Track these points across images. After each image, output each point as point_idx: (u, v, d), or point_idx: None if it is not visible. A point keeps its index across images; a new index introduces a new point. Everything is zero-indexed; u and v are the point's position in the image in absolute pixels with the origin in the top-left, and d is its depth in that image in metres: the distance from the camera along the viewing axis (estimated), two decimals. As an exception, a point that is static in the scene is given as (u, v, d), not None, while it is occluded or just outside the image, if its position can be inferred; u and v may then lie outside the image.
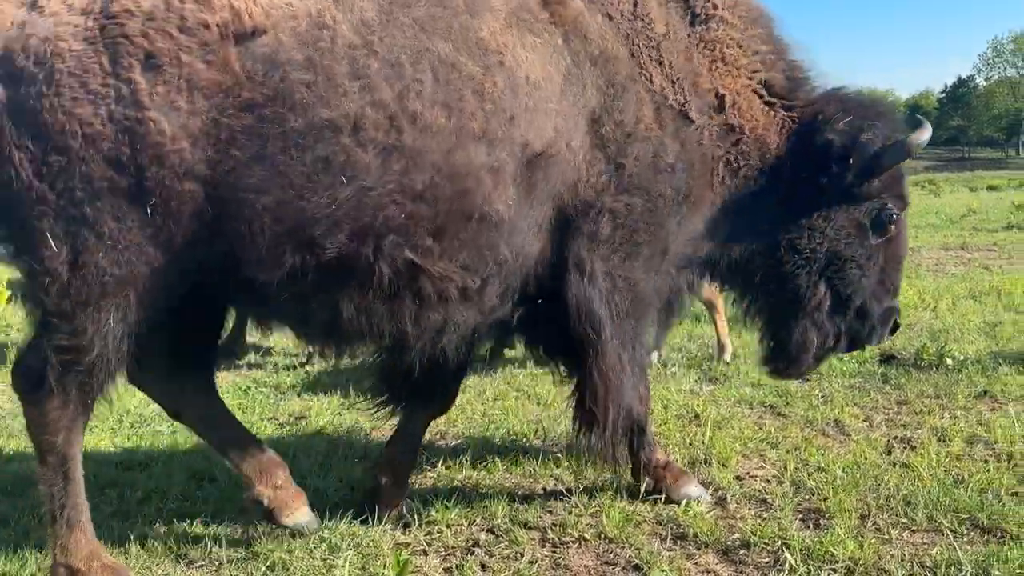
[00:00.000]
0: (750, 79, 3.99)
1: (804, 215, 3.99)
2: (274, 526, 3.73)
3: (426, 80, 3.13)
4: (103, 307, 3.03)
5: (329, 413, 5.75)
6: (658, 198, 3.64)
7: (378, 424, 5.47)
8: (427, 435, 5.23)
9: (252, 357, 7.65)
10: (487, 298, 3.45)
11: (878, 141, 3.87)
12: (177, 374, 3.72)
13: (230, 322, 7.97)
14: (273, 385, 6.56)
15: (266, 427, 5.45)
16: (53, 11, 2.95)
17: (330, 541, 3.66)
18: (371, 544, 3.64)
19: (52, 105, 2.88)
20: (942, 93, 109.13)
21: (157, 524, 3.97)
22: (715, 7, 3.96)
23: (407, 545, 3.67)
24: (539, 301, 3.66)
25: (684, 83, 3.76)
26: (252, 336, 7.91)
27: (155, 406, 5.98)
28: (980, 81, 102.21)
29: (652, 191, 3.62)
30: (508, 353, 7.35)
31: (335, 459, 4.81)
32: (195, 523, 3.95)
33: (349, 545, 3.63)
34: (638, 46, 3.66)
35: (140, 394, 6.27)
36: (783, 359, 4.23)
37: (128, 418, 5.74)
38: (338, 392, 6.22)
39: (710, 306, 7.00)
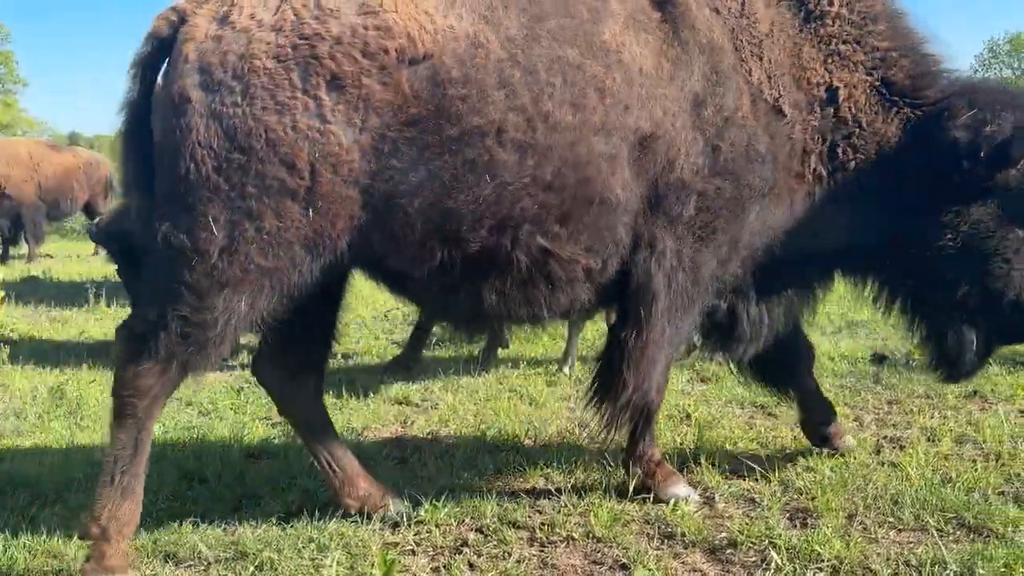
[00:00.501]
0: (868, 75, 4.05)
1: (937, 211, 3.97)
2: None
3: (557, 83, 3.49)
4: (238, 292, 3.32)
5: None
6: (745, 187, 3.83)
7: (369, 424, 5.50)
8: (419, 435, 5.28)
9: (245, 358, 7.63)
10: (605, 277, 3.77)
11: (1005, 131, 3.82)
12: (297, 374, 4.01)
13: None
14: (266, 385, 6.54)
15: (258, 427, 5.45)
16: (244, 26, 3.31)
17: (318, 541, 3.67)
18: (360, 544, 3.65)
19: (244, 113, 3.24)
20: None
21: (147, 524, 3.96)
22: (831, 4, 4.07)
23: (395, 545, 3.68)
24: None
25: (782, 79, 3.95)
26: (244, 337, 7.89)
27: (147, 406, 6.02)
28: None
29: (742, 178, 3.82)
30: (502, 353, 7.39)
31: (326, 459, 4.81)
32: (184, 523, 3.95)
33: (338, 545, 3.64)
34: (741, 41, 3.91)
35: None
36: (945, 364, 4.24)
37: (120, 418, 5.72)
38: (330, 392, 6.21)
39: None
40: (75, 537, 3.79)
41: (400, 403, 6.06)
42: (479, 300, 3.64)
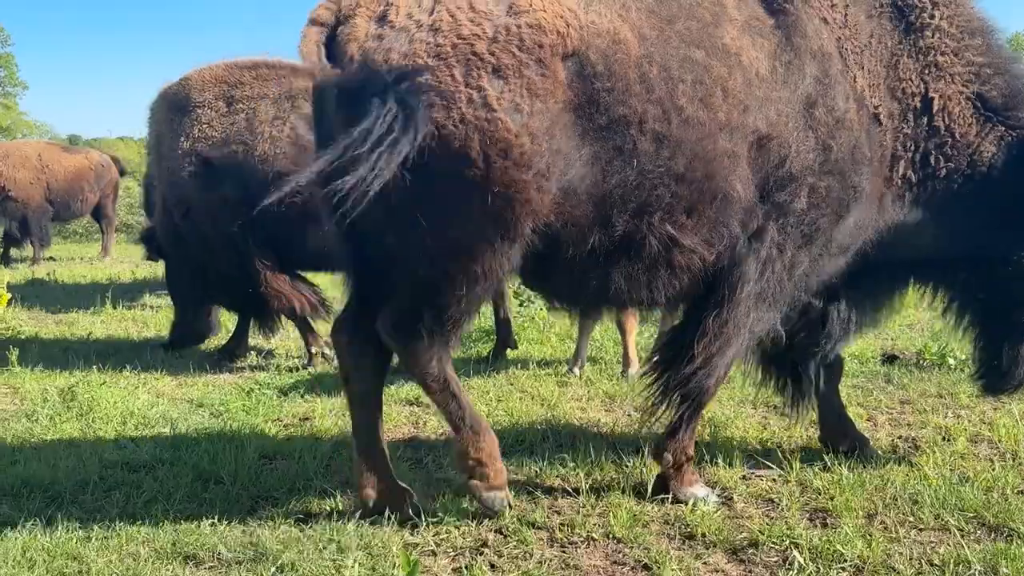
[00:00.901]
0: (964, 87, 4.21)
1: (1021, 229, 4.14)
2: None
3: (687, 80, 3.69)
4: (466, 275, 3.59)
5: (333, 415, 5.74)
6: (850, 187, 4.00)
7: (390, 418, 5.48)
8: (432, 436, 5.27)
9: (254, 359, 7.64)
10: (712, 268, 3.91)
11: None
12: (374, 352, 3.97)
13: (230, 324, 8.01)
14: (276, 387, 6.55)
15: (271, 428, 5.44)
16: (403, 26, 3.50)
17: (339, 542, 3.66)
18: (380, 545, 3.65)
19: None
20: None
21: (165, 525, 3.97)
22: (931, 16, 4.21)
23: (416, 546, 3.67)
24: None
25: (880, 87, 4.12)
26: (253, 338, 7.90)
27: (159, 408, 6.02)
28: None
29: (847, 178, 3.99)
30: (511, 354, 7.38)
31: (340, 460, 4.81)
32: (203, 524, 3.95)
33: (358, 546, 3.63)
34: (846, 50, 4.08)
35: (145, 396, 6.33)
36: (997, 376, 4.39)
37: (132, 420, 5.72)
38: (341, 394, 6.20)
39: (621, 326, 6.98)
40: (94, 539, 3.81)
41: (411, 404, 6.05)
42: (609, 283, 3.84)
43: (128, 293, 11.55)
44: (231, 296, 7.19)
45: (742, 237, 3.90)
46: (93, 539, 3.83)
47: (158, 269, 14.02)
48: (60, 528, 3.93)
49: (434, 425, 5.50)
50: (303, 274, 7.35)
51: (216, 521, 4.00)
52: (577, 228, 3.67)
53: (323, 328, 7.81)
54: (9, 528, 4.00)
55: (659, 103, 3.63)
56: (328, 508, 4.12)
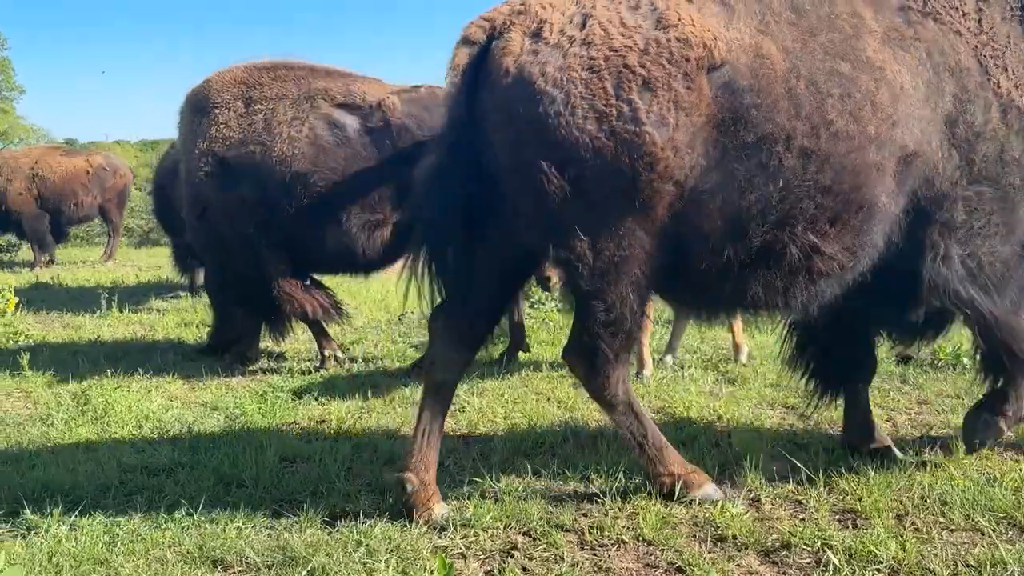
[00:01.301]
0: None
1: None
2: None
3: (835, 94, 3.71)
4: (621, 284, 3.70)
5: (350, 417, 5.72)
6: (1007, 186, 4.11)
7: (398, 428, 5.47)
8: (451, 438, 5.24)
9: (266, 363, 7.61)
10: (848, 276, 3.97)
11: None
12: (463, 343, 4.17)
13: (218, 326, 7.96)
14: (290, 390, 6.52)
15: (288, 431, 5.42)
16: (556, 42, 3.63)
17: (368, 545, 3.64)
18: (409, 548, 3.62)
19: (569, 122, 3.53)
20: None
21: (190, 529, 3.94)
22: None
23: (445, 548, 3.65)
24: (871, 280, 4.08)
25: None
26: (264, 341, 7.87)
27: (174, 411, 5.99)
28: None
29: (1000, 180, 4.09)
30: (522, 356, 7.36)
31: (361, 463, 4.79)
32: (228, 528, 3.92)
33: (387, 549, 3.61)
34: (984, 56, 4.14)
35: (159, 399, 6.30)
36: None
37: (147, 424, 5.70)
38: (356, 396, 6.20)
39: (726, 308, 6.99)
40: (119, 543, 3.78)
41: (427, 407, 6.02)
42: (745, 290, 3.89)
43: (133, 297, 11.51)
44: (246, 297, 7.15)
45: (922, 252, 4.02)
46: (119, 544, 3.80)
47: (162, 273, 14.03)
48: (85, 533, 3.90)
49: (451, 428, 5.47)
50: (318, 277, 7.33)
51: (241, 525, 3.98)
52: (717, 237, 3.73)
53: (333, 331, 7.82)
54: (34, 533, 3.98)
55: (807, 119, 3.66)
56: (353, 511, 4.09)
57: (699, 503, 3.96)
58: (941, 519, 3.74)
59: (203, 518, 4.07)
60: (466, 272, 4.04)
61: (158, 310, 10.68)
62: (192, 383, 6.93)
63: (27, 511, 4.18)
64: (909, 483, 4.13)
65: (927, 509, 3.84)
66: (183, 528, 3.98)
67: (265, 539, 3.81)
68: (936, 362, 6.63)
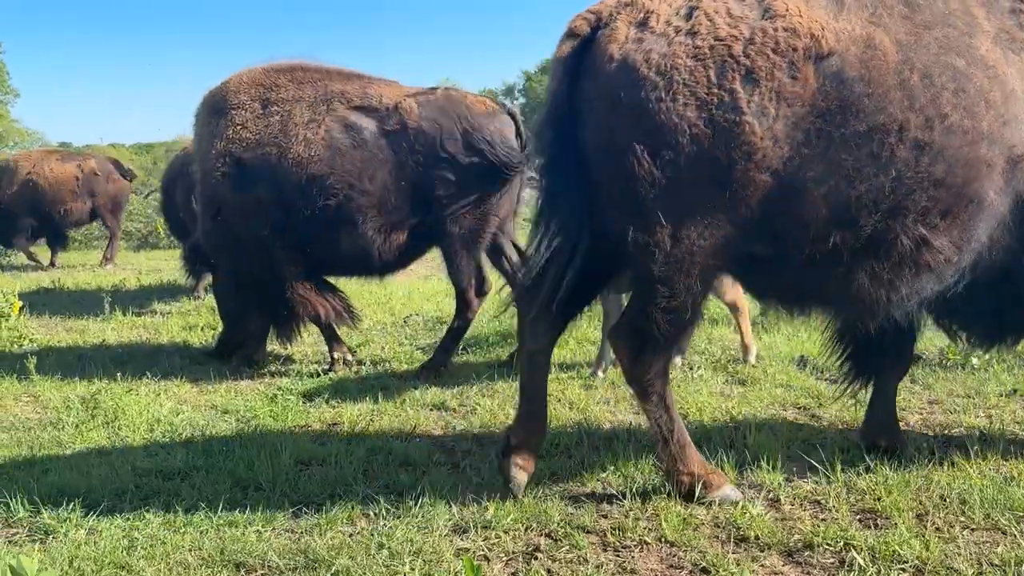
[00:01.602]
0: None
1: None
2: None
3: (950, 88, 3.73)
4: (693, 273, 3.76)
5: (362, 420, 5.71)
6: None
7: (412, 430, 5.46)
8: (464, 440, 5.24)
9: (273, 365, 7.60)
10: (952, 271, 3.99)
11: None
12: (552, 325, 4.24)
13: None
14: (300, 392, 6.51)
15: (302, 434, 5.41)
16: (662, 31, 3.72)
17: (389, 547, 3.64)
18: (431, 550, 3.62)
19: (668, 108, 3.60)
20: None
21: (209, 533, 3.93)
22: None
23: (467, 550, 3.65)
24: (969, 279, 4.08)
25: None
26: (271, 344, 7.85)
27: (184, 415, 5.98)
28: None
29: None
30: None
31: (377, 465, 4.78)
32: (247, 531, 3.92)
33: (409, 551, 3.61)
34: None
35: (169, 403, 6.28)
36: None
37: (159, 427, 5.68)
38: (367, 399, 6.19)
39: (734, 308, 7.01)
40: (138, 549, 3.77)
41: (438, 408, 6.03)
42: (850, 281, 3.89)
43: (136, 300, 11.47)
44: (258, 299, 7.13)
45: (988, 242, 3.99)
46: (138, 548, 3.80)
47: (164, 276, 14.00)
48: (104, 537, 3.89)
49: (464, 429, 5.47)
50: (332, 280, 7.31)
51: (261, 528, 3.98)
52: (822, 226, 3.74)
53: (342, 333, 7.80)
54: (52, 538, 3.97)
55: (921, 111, 3.68)
56: (372, 513, 4.09)
57: (718, 504, 3.96)
58: (962, 518, 3.75)
59: (222, 521, 4.07)
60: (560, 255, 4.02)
61: (162, 313, 10.65)
62: (201, 386, 6.91)
63: (45, 515, 4.17)
64: (927, 482, 4.14)
65: (947, 508, 3.85)
66: (202, 532, 3.97)
67: (286, 542, 3.80)
68: (945, 362, 6.64)
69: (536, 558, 3.57)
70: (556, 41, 4.02)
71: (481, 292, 7.08)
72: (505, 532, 3.81)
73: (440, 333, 8.68)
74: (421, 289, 11.72)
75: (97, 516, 4.17)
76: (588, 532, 3.79)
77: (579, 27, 3.91)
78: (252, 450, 5.02)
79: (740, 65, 3.60)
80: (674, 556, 3.55)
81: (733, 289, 7.05)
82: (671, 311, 3.81)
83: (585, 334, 8.03)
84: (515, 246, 7.42)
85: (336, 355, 7.20)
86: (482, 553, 3.64)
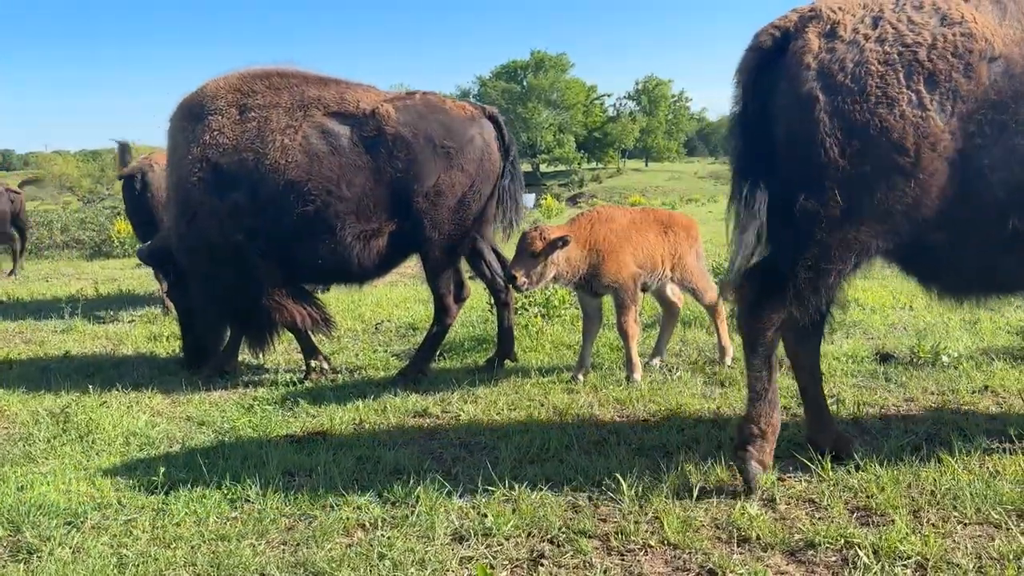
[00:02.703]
0: None
1: None
2: None
3: None
4: (850, 251, 4.19)
5: (346, 428, 5.64)
6: None
7: (395, 438, 5.39)
8: (452, 447, 5.19)
9: (246, 376, 7.45)
10: None
11: None
12: (811, 329, 4.57)
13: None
14: (277, 402, 6.40)
15: (285, 445, 5.30)
16: (853, 39, 4.17)
17: (391, 558, 3.59)
18: (435, 559, 3.58)
19: (862, 108, 4.06)
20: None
21: (202, 548, 3.84)
22: None
23: (471, 559, 3.62)
24: None
25: None
26: (241, 355, 7.70)
27: (160, 427, 5.84)
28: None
29: None
30: (509, 365, 7.33)
31: (367, 474, 4.71)
32: (241, 545, 3.83)
33: (412, 561, 3.56)
34: None
35: (143, 415, 6.13)
36: None
37: (135, 441, 5.54)
38: (348, 407, 6.11)
39: (712, 310, 7.07)
40: (129, 567, 3.66)
41: (421, 415, 5.97)
42: (995, 263, 4.30)
43: (95, 310, 11.18)
44: (232, 307, 6.99)
45: None
46: (129, 566, 3.70)
47: (121, 285, 13.67)
48: (92, 556, 3.78)
49: (451, 437, 5.42)
50: (309, 288, 7.21)
51: (254, 542, 3.90)
52: (988, 213, 4.10)
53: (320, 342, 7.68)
54: (36, 557, 3.83)
55: None
56: (367, 523, 4.03)
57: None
58: (955, 513, 3.82)
59: (213, 535, 3.97)
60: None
61: (124, 323, 10.39)
62: (173, 398, 6.76)
63: (24, 532, 4.03)
64: (916, 479, 4.22)
65: (939, 504, 3.92)
66: (194, 547, 3.88)
67: (284, 555, 3.73)
68: (916, 360, 6.77)
69: (541, 564, 3.56)
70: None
71: (459, 298, 7.03)
72: (506, 539, 3.79)
73: (413, 339, 8.64)
74: (389, 295, 11.61)
75: (81, 533, 4.05)
76: (590, 536, 3.79)
77: (765, 41, 4.36)
78: (235, 461, 4.93)
79: (924, 68, 4.06)
80: (679, 558, 3.56)
81: (712, 291, 7.12)
82: (815, 280, 4.19)
83: (560, 337, 8.05)
84: (495, 251, 7.39)
85: (313, 363, 7.10)
86: (486, 560, 3.61)
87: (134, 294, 12.49)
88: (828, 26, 4.26)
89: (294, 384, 6.96)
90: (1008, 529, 3.62)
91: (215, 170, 6.58)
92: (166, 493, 4.58)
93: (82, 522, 4.17)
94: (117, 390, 6.84)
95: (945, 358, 6.64)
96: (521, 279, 6.06)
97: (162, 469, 4.90)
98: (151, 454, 5.30)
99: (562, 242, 6.12)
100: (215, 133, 6.58)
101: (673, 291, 7.18)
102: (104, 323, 10.33)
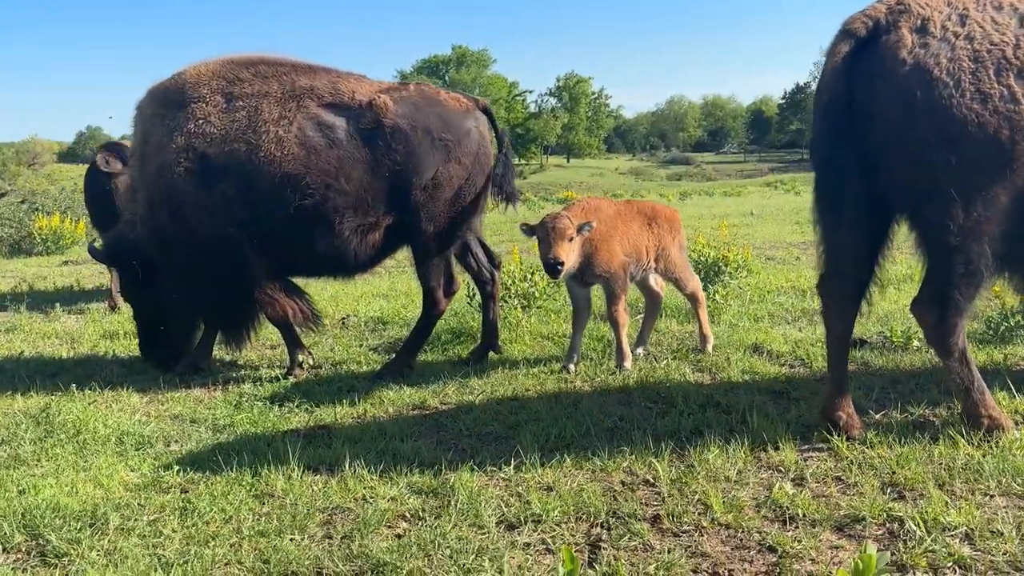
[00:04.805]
0: None
1: None
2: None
3: None
4: (980, 240, 4.46)
5: (350, 422, 5.54)
6: None
7: (404, 432, 5.33)
8: (464, 438, 5.15)
9: (223, 373, 7.23)
10: None
11: None
12: (857, 298, 4.95)
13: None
14: (266, 398, 6.23)
15: (293, 440, 5.17)
16: (943, 36, 4.47)
17: (449, 547, 3.56)
18: (492, 547, 3.56)
19: (957, 103, 4.36)
20: (782, 99, 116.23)
21: (244, 545, 3.73)
22: None
23: (528, 545, 3.61)
24: None
25: None
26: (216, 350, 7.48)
27: (152, 426, 5.62)
28: (816, 87, 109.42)
29: None
30: (493, 356, 7.31)
31: (392, 466, 4.64)
32: (283, 540, 3.74)
33: (471, 550, 3.54)
34: None
35: (131, 414, 5.89)
36: None
37: (129, 440, 5.32)
38: (343, 402, 6.00)
39: (693, 299, 7.21)
40: (174, 567, 3.53)
41: (420, 408, 5.92)
42: None
43: (37, 308, 10.65)
44: (214, 302, 6.76)
45: None
46: (174, 566, 3.56)
47: (56, 282, 13.05)
48: (129, 557, 3.64)
49: (459, 429, 5.38)
50: (295, 280, 7.04)
51: (296, 536, 3.81)
52: None
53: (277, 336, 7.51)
54: (68, 562, 3.66)
55: None
56: (408, 515, 3.99)
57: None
58: (980, 486, 4.01)
59: (252, 531, 3.86)
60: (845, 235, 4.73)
61: (70, 320, 9.93)
62: (150, 396, 6.52)
63: (49, 535, 3.84)
64: (930, 456, 4.40)
65: (962, 478, 4.10)
66: (233, 544, 3.77)
67: (330, 548, 3.66)
68: (888, 345, 7.05)
69: (601, 547, 3.58)
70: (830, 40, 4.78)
71: (449, 292, 6.98)
72: (557, 525, 3.80)
73: (385, 334, 8.54)
74: (346, 290, 11.40)
75: (107, 536, 3.88)
76: (640, 520, 3.83)
77: (857, 29, 4.61)
78: (249, 457, 4.79)
79: (1012, 64, 4.39)
80: (735, 537, 3.64)
81: (694, 281, 7.26)
82: (968, 276, 4.49)
83: (538, 329, 8.07)
84: (482, 244, 7.36)
85: (300, 358, 6.94)
86: (544, 546, 3.61)
87: (72, 291, 11.95)
88: (919, 21, 4.52)
89: (278, 380, 6.80)
90: (1038, 498, 3.82)
91: (203, 160, 6.35)
92: (183, 491, 4.43)
93: (103, 524, 4.00)
94: (92, 390, 6.55)
95: (916, 342, 6.93)
96: (566, 265, 6.03)
97: (168, 467, 4.75)
98: (151, 453, 5.11)
99: (588, 227, 6.14)
100: (201, 122, 6.35)
101: (656, 281, 7.29)
102: (50, 321, 9.86)
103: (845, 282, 4.87)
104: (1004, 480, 4.04)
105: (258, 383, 6.74)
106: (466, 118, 6.60)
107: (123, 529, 3.96)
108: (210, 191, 6.35)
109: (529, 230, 6.18)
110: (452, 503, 4.06)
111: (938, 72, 4.38)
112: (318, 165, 6.28)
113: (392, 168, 6.40)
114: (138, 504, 4.25)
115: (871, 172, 4.65)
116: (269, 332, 8.16)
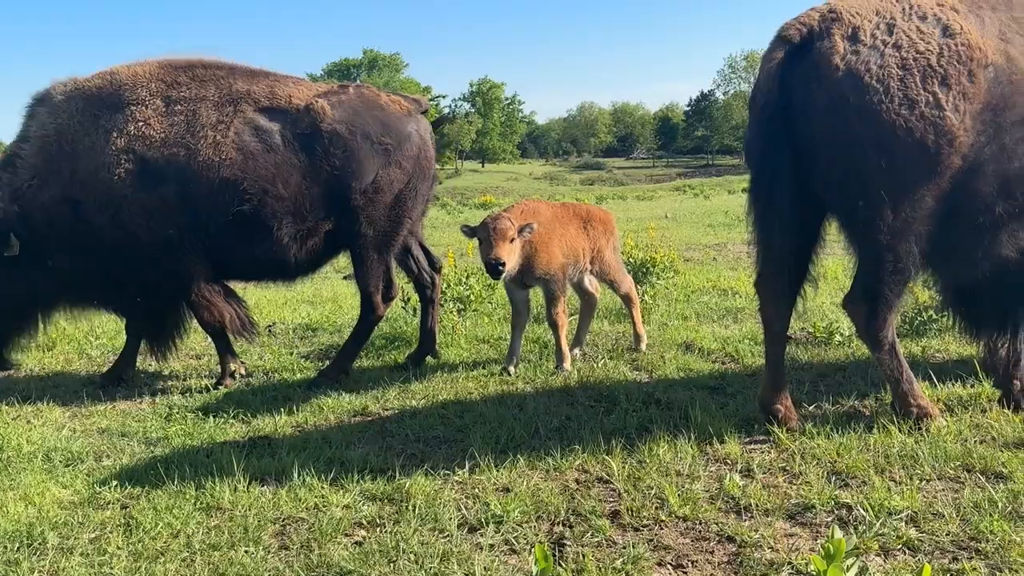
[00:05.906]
0: None
1: None
2: None
3: None
4: (910, 240, 4.66)
5: (290, 431, 5.42)
6: None
7: (350, 439, 5.24)
8: (411, 443, 5.10)
9: (146, 384, 6.97)
10: None
11: None
12: (791, 295, 5.09)
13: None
14: (198, 409, 6.02)
15: (235, 451, 5.01)
16: (873, 44, 4.66)
17: (413, 552, 3.51)
18: (455, 550, 3.54)
19: (886, 108, 4.56)
20: (688, 106, 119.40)
21: (197, 561, 3.60)
22: None
23: (492, 546, 3.60)
24: None
25: None
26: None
27: (80, 441, 5.38)
28: (719, 95, 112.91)
29: None
30: (430, 361, 7.27)
31: (341, 474, 4.55)
32: (237, 553, 3.63)
33: (434, 554, 3.50)
34: None
35: (55, 430, 5.61)
36: None
37: (57, 456, 5.06)
38: (280, 409, 5.86)
39: (627, 299, 7.33)
40: None
41: (361, 415, 5.84)
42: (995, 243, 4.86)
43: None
44: (146, 306, 6.51)
45: None
46: None
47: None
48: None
49: (406, 434, 5.33)
50: (231, 285, 6.83)
51: (250, 548, 3.71)
52: (988, 198, 4.66)
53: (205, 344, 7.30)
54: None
55: None
56: (365, 522, 3.93)
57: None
58: (916, 471, 4.19)
59: (203, 545, 3.73)
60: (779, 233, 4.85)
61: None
62: (72, 410, 6.24)
63: (-17, 561, 3.63)
64: (865, 444, 4.58)
65: (899, 464, 4.28)
66: (184, 560, 3.63)
67: (288, 559, 3.57)
68: (812, 340, 7.31)
69: (565, 545, 3.60)
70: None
71: (388, 297, 6.89)
72: (519, 525, 3.80)
73: (315, 340, 8.42)
74: (268, 296, 11.16)
75: (47, 557, 3.69)
76: (601, 516, 3.86)
77: (792, 35, 4.79)
78: (189, 470, 4.63)
79: (936, 72, 4.59)
80: (694, 529, 3.71)
81: (627, 282, 7.38)
82: (897, 273, 4.71)
83: (474, 332, 8.06)
84: (423, 247, 7.31)
85: (232, 367, 6.74)
86: (508, 547, 3.61)
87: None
88: (850, 29, 4.71)
89: (209, 390, 6.59)
90: (965, 482, 4.02)
91: (143, 163, 6.12)
92: (123, 507, 4.25)
93: (41, 544, 3.81)
94: (9, 405, 6.22)
95: (838, 337, 7.21)
96: (508, 266, 6.00)
97: (105, 484, 4.55)
98: (83, 469, 4.88)
99: (529, 229, 6.15)
100: (140, 125, 6.14)
101: (591, 282, 7.38)
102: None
103: (781, 280, 5.00)
104: (938, 465, 4.24)
105: (187, 394, 6.53)
106: (407, 122, 6.55)
107: (63, 548, 3.78)
108: (149, 195, 6.13)
109: (470, 231, 6.17)
110: (410, 508, 4.01)
111: (868, 78, 4.57)
112: (255, 170, 6.15)
113: (331, 173, 6.30)
114: (76, 522, 4.06)
115: (805, 173, 4.81)
116: (192, 342, 7.92)
